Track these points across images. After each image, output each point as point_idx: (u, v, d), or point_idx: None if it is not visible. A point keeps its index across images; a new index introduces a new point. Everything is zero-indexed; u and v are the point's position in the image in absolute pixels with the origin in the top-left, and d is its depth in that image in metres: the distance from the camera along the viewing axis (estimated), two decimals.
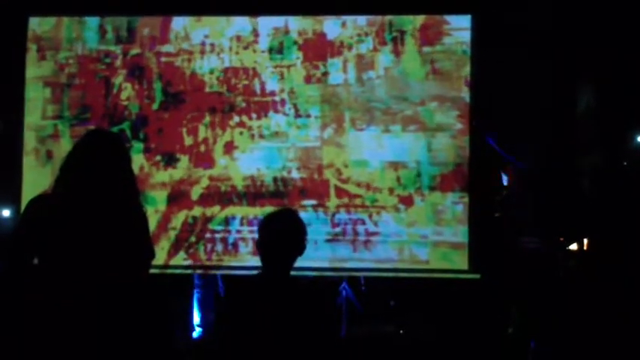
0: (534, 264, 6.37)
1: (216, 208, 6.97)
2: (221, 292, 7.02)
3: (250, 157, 6.97)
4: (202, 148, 6.99)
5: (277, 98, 6.98)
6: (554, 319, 6.17)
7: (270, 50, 7.03)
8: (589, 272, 6.47)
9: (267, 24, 7.04)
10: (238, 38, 7.05)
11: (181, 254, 6.96)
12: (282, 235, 3.70)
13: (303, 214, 6.58)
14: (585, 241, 6.61)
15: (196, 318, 7.09)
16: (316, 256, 6.76)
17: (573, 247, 6.57)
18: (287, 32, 7.02)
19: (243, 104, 7.00)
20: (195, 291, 7.12)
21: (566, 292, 6.27)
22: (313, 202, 6.93)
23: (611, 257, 6.51)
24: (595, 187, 6.83)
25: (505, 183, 6.61)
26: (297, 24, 7.03)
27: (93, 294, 3.57)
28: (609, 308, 6.14)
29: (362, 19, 6.99)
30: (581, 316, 6.17)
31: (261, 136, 6.97)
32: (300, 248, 3.75)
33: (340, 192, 6.93)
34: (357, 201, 6.92)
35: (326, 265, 6.87)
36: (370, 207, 6.91)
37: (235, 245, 6.94)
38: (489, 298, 6.69)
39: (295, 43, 7.00)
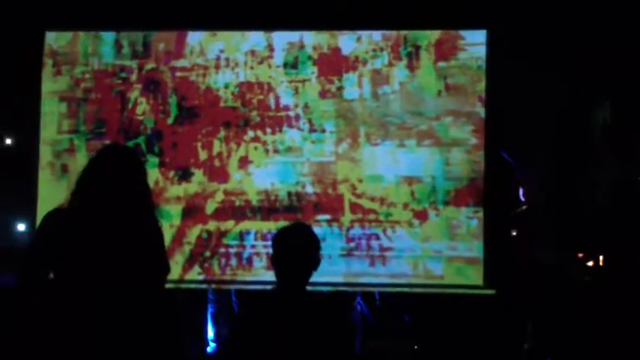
0: (550, 279, 6.35)
1: (231, 223, 6.96)
2: (235, 307, 7.02)
3: (265, 172, 6.97)
4: (217, 162, 6.99)
5: (292, 113, 6.98)
6: (571, 335, 6.15)
7: (285, 65, 7.03)
8: (605, 287, 6.44)
9: (282, 39, 7.05)
10: (253, 53, 7.05)
11: (196, 269, 6.96)
12: (296, 250, 3.70)
13: (317, 229, 6.57)
14: (601, 256, 6.59)
15: (210, 333, 7.08)
16: (331, 271, 6.74)
17: (589, 262, 6.55)
18: (302, 47, 7.02)
19: (258, 119, 7.00)
20: (209, 306, 7.12)
21: (582, 307, 6.24)
22: (327, 216, 6.92)
23: (626, 272, 6.48)
24: (610, 201, 6.81)
25: (522, 198, 6.60)
26: (312, 39, 7.03)
27: (108, 308, 3.57)
28: (625, 324, 6.11)
29: (377, 35, 6.99)
30: (597, 331, 6.15)
31: (276, 151, 6.97)
32: (314, 263, 3.75)
33: (355, 207, 6.92)
34: (372, 216, 6.91)
35: (340, 280, 6.85)
36: (384, 222, 6.90)
37: (250, 260, 6.94)
38: (505, 313, 6.67)
39: (310, 57, 7.01)
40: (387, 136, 6.91)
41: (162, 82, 7.06)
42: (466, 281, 6.83)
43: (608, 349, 6.02)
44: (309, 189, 6.94)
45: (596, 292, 6.40)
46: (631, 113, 6.99)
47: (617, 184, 6.84)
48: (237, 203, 6.96)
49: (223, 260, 6.95)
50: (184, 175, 6.99)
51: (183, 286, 6.96)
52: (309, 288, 3.77)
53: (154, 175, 6.86)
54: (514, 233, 6.76)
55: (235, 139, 6.99)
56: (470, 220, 6.83)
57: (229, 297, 7.08)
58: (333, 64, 6.99)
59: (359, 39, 7.00)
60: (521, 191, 6.63)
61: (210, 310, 7.11)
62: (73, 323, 3.55)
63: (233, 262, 6.95)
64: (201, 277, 6.97)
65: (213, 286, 7.02)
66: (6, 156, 7.28)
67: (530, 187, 6.70)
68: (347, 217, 6.91)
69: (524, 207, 6.75)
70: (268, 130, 6.98)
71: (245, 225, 6.96)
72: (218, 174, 6.98)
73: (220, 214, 6.97)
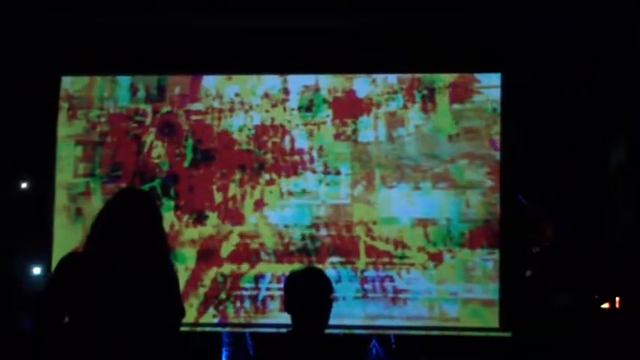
0: (567, 322, 6.31)
1: (246, 266, 6.96)
2: (250, 351, 6.99)
3: (280, 215, 6.98)
4: (232, 205, 7.00)
5: (307, 156, 7.00)
6: None
7: (300, 108, 7.06)
8: (621, 331, 6.40)
9: (298, 82, 7.09)
10: (268, 96, 7.09)
11: (211, 311, 6.95)
12: (313, 296, 3.68)
13: (332, 271, 6.68)
14: (617, 299, 6.55)
15: None
16: (346, 314, 6.74)
17: (605, 305, 6.51)
18: (317, 90, 7.06)
19: (273, 162, 7.02)
20: (224, 349, 7.09)
21: (600, 350, 6.20)
22: (342, 259, 6.91)
23: None
24: (627, 244, 6.78)
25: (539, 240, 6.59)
26: (327, 82, 7.07)
27: (123, 352, 3.56)
28: None
29: (392, 77, 7.02)
30: None
31: (291, 194, 6.99)
32: (329, 307, 3.74)
33: (370, 249, 6.91)
34: (386, 258, 6.90)
35: (356, 322, 6.83)
36: (399, 264, 6.89)
37: (264, 302, 6.93)
38: (522, 356, 6.62)
39: (325, 100, 7.04)
40: (403, 179, 6.92)
41: (177, 126, 7.10)
42: (482, 323, 6.80)
43: None
44: (324, 231, 6.93)
45: (612, 335, 6.36)
46: None
47: (635, 226, 6.81)
48: (253, 246, 6.96)
49: (238, 303, 6.94)
50: (199, 218, 7.00)
51: (198, 329, 6.94)
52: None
53: (169, 218, 6.88)
54: (528, 274, 6.72)
55: (250, 182, 7.01)
56: (485, 262, 6.82)
57: (244, 340, 7.05)
58: (348, 107, 7.01)
59: (374, 82, 7.03)
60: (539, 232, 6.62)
61: (225, 354, 7.08)
62: None
63: (247, 304, 6.94)
64: (215, 320, 6.96)
65: (228, 329, 6.99)
66: (22, 200, 7.29)
67: (547, 229, 6.67)
68: (362, 259, 6.90)
69: (537, 248, 6.72)
70: (283, 172, 7.00)
71: (260, 268, 6.96)
72: (233, 217, 6.99)
73: (235, 256, 6.97)
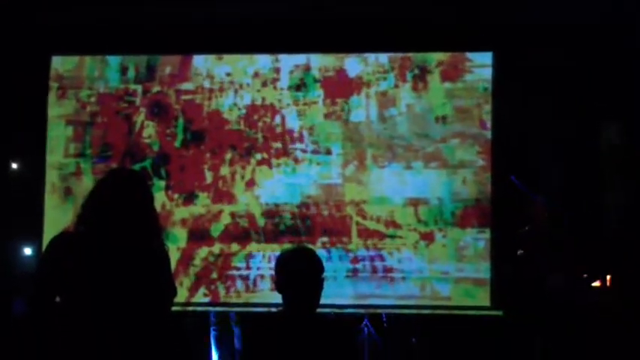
0: (557, 300, 6.33)
1: (237, 245, 6.96)
2: (235, 331, 6.98)
3: (271, 194, 6.97)
4: (223, 184, 6.99)
5: (298, 135, 6.98)
6: (579, 356, 6.13)
7: (291, 87, 7.04)
8: (612, 308, 6.42)
9: (289, 61, 7.07)
10: (259, 76, 7.07)
11: (202, 291, 6.95)
12: (304, 276, 3.68)
13: (323, 251, 6.67)
14: (608, 277, 6.57)
15: (214, 356, 7.06)
16: (337, 293, 6.74)
17: (596, 283, 6.53)
18: (308, 69, 7.04)
19: (264, 141, 7.01)
20: (211, 328, 7.09)
21: (590, 328, 6.22)
22: (333, 238, 6.92)
23: (634, 293, 6.47)
24: (617, 223, 6.80)
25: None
26: (318, 61, 7.05)
27: (115, 332, 3.56)
28: (633, 344, 6.09)
29: (383, 57, 7.00)
30: (605, 352, 6.13)
31: (282, 173, 6.97)
32: (321, 287, 3.74)
33: (361, 228, 6.91)
34: (378, 237, 6.90)
35: (347, 301, 6.85)
36: (391, 243, 6.89)
37: (255, 282, 6.93)
38: (513, 335, 6.65)
39: (316, 80, 7.02)
40: (394, 158, 6.91)
41: (167, 106, 7.08)
42: (474, 302, 6.82)
43: None
44: (315, 211, 6.93)
45: (603, 313, 6.38)
46: (638, 135, 6.98)
47: (625, 204, 6.82)
48: (244, 225, 6.95)
49: (229, 283, 6.94)
50: (190, 198, 6.99)
51: (190, 308, 6.94)
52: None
53: (160, 198, 6.87)
54: (519, 253, 6.74)
55: (241, 162, 6.99)
56: (477, 241, 6.83)
57: (233, 320, 7.05)
58: (340, 87, 7.00)
59: (365, 61, 7.01)
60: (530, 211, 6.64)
61: (213, 334, 7.09)
62: (80, 347, 3.53)
63: (239, 284, 6.94)
64: (207, 300, 6.96)
65: (218, 308, 7.00)
66: (12, 180, 7.28)
67: (539, 209, 6.68)
68: (353, 238, 6.90)
69: (527, 227, 6.73)
70: (274, 152, 6.99)
71: (251, 247, 6.96)
72: (224, 196, 6.99)
73: (226, 236, 6.97)
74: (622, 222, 6.79)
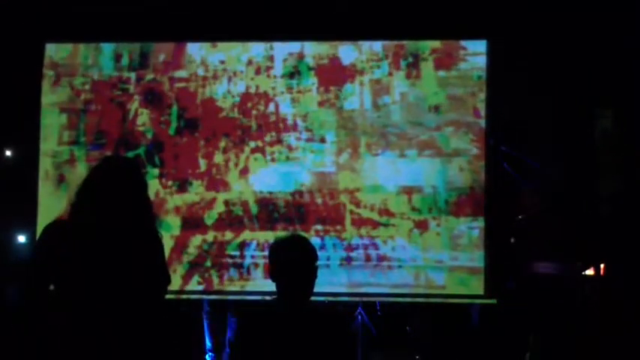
0: (550, 289, 6.34)
1: (231, 233, 6.96)
2: (229, 318, 6.98)
3: (265, 182, 6.97)
4: (216, 172, 6.99)
5: (292, 123, 6.98)
6: (572, 345, 6.14)
7: (285, 75, 7.04)
8: (606, 297, 6.43)
9: (283, 49, 7.06)
10: (253, 63, 7.06)
11: (195, 279, 6.95)
12: (298, 264, 3.68)
13: (317, 239, 6.68)
14: (602, 265, 6.57)
15: (208, 343, 7.06)
16: (331, 281, 6.76)
17: (590, 272, 6.54)
18: (302, 57, 7.03)
19: (258, 129, 7.00)
20: (205, 316, 7.09)
21: (583, 317, 6.23)
22: (328, 226, 6.92)
23: (628, 282, 6.47)
24: (612, 211, 6.80)
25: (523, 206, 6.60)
26: (312, 49, 7.04)
27: (109, 320, 3.56)
28: (626, 333, 6.10)
29: (377, 45, 7.00)
30: (599, 341, 6.13)
31: (276, 161, 6.97)
32: (314, 275, 3.74)
33: (355, 217, 6.91)
34: (372, 225, 6.90)
35: (341, 290, 6.86)
36: (385, 232, 6.90)
37: (249, 270, 6.93)
38: (507, 323, 6.66)
39: (310, 68, 7.01)
40: (388, 147, 6.91)
41: (161, 93, 7.07)
42: (468, 291, 6.83)
43: (609, 357, 6.02)
44: (309, 199, 6.93)
45: (597, 301, 6.39)
46: (633, 123, 6.98)
47: (619, 193, 6.83)
48: (237, 213, 6.95)
49: (223, 271, 6.95)
50: (184, 186, 6.99)
51: (184, 296, 6.95)
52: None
53: (154, 186, 6.87)
54: (512, 241, 6.75)
55: (235, 150, 6.99)
56: (471, 230, 6.84)
57: (225, 307, 7.05)
58: (334, 75, 6.99)
59: (359, 49, 7.00)
60: (524, 200, 6.64)
61: (206, 322, 7.09)
62: (73, 335, 3.53)
63: (232, 272, 6.95)
64: (200, 288, 6.96)
65: (213, 297, 7.00)
66: (6, 168, 7.27)
67: (532, 197, 6.69)
68: (347, 226, 6.90)
69: (520, 216, 6.74)
70: (268, 140, 6.98)
71: (245, 235, 6.96)
72: (218, 184, 6.99)
73: (220, 224, 6.97)
74: (617, 210, 6.79)
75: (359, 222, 6.91)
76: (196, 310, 7.12)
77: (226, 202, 6.98)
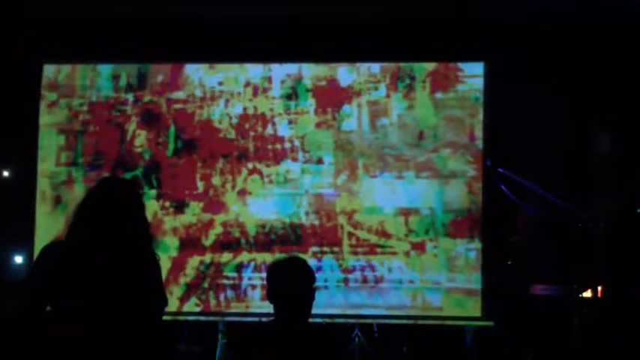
0: (548, 311, 6.33)
1: (228, 255, 6.95)
2: (220, 340, 6.94)
3: (263, 204, 6.96)
4: (215, 194, 6.99)
5: (290, 145, 6.98)
6: None
7: (283, 97, 7.05)
8: (603, 319, 6.42)
9: (281, 71, 7.07)
10: (251, 85, 7.07)
11: (193, 300, 6.94)
12: (296, 286, 3.69)
13: (314, 261, 6.67)
14: (599, 287, 6.57)
15: None
16: (328, 303, 6.75)
17: (587, 294, 6.53)
18: (300, 79, 7.04)
19: (255, 150, 7.01)
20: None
21: (581, 339, 6.22)
22: (325, 248, 6.91)
23: (625, 304, 6.47)
24: (609, 232, 6.80)
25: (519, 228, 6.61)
26: (310, 71, 7.05)
27: (106, 341, 3.55)
28: (624, 356, 6.09)
29: (375, 67, 7.01)
30: None
31: (274, 182, 6.97)
32: (312, 296, 3.74)
33: (352, 238, 6.91)
34: (370, 247, 6.90)
35: (338, 311, 6.84)
36: (382, 253, 6.89)
37: (246, 292, 6.92)
38: (504, 345, 6.65)
39: (308, 89, 7.02)
40: (386, 168, 6.92)
41: (159, 114, 7.07)
42: (465, 313, 6.82)
43: None
44: (307, 220, 6.93)
45: (594, 324, 6.38)
46: (631, 144, 7.00)
47: (617, 214, 6.83)
48: (235, 235, 6.95)
49: (220, 292, 6.93)
50: (182, 207, 6.98)
51: (181, 318, 6.93)
52: None
53: (151, 207, 6.86)
54: (511, 264, 6.75)
55: (233, 171, 6.99)
56: (469, 251, 6.83)
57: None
58: (332, 96, 7.00)
59: (357, 71, 7.02)
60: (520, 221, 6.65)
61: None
62: (70, 356, 3.53)
63: (230, 293, 6.93)
64: (198, 309, 6.95)
65: (212, 318, 6.98)
66: (3, 188, 7.27)
67: (529, 219, 6.70)
68: (345, 248, 6.90)
69: (516, 237, 6.75)
70: (265, 161, 6.99)
71: (242, 257, 6.95)
72: (216, 206, 6.98)
73: (218, 245, 6.96)
74: (614, 232, 6.79)
75: (356, 243, 6.90)
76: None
77: (224, 224, 6.97)
